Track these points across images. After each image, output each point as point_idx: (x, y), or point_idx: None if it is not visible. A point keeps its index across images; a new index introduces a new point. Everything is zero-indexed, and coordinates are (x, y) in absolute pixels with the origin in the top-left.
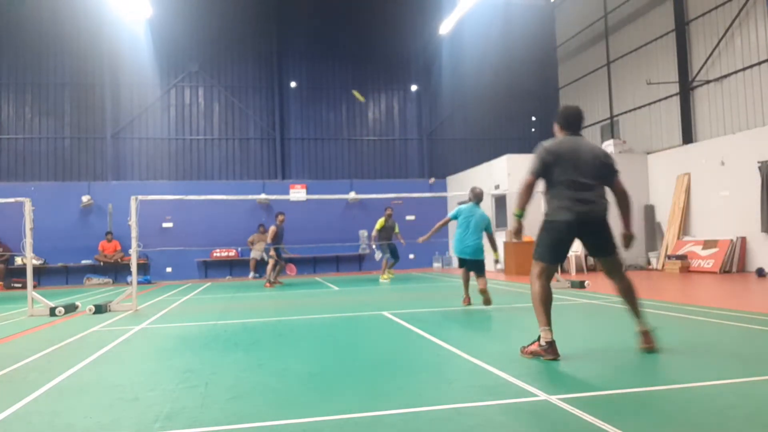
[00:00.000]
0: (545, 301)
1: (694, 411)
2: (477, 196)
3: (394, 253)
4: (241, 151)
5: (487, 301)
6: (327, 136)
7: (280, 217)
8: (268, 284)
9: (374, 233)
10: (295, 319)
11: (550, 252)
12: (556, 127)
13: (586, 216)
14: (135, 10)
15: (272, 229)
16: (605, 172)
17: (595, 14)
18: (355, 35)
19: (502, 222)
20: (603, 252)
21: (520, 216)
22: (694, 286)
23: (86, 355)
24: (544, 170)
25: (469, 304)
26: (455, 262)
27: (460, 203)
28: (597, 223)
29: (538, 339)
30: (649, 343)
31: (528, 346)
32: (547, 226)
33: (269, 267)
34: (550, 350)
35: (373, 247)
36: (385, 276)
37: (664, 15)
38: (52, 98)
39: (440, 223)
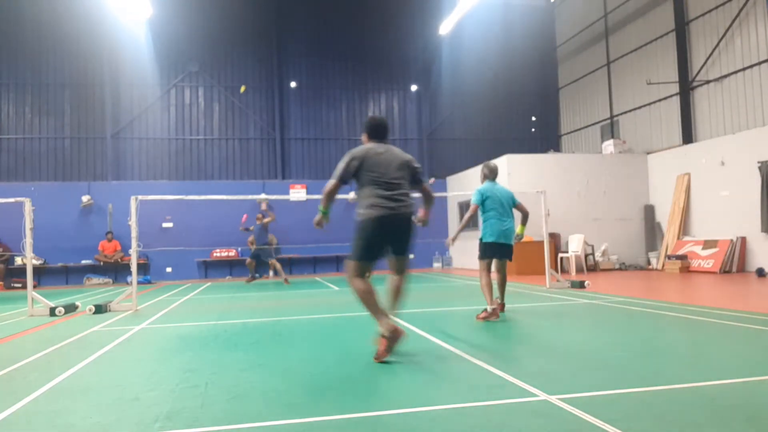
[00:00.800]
0: (369, 295)
1: (694, 411)
2: (493, 172)
3: None
4: (241, 151)
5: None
6: (327, 136)
7: (259, 216)
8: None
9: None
10: (295, 319)
11: (363, 250)
12: (363, 137)
13: (393, 214)
14: (135, 11)
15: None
16: (412, 176)
17: (595, 14)
18: (355, 35)
19: None
20: (401, 251)
21: (324, 213)
22: (694, 286)
23: (86, 355)
24: (351, 174)
25: (503, 310)
26: (456, 262)
27: (482, 187)
28: (403, 222)
29: (381, 335)
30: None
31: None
32: (359, 225)
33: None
34: (393, 337)
35: None
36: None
37: (664, 15)
38: (52, 98)
39: (468, 215)
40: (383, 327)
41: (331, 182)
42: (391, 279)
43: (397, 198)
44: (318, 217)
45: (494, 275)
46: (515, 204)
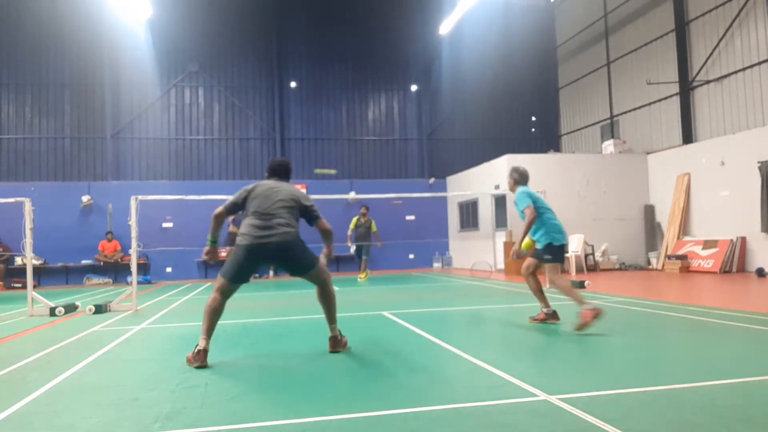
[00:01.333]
0: (213, 312)
1: (694, 411)
2: (525, 176)
3: (366, 251)
4: (241, 151)
5: (555, 316)
6: (327, 136)
7: None
8: None
9: (349, 232)
10: (295, 319)
11: (232, 271)
12: (266, 174)
13: (260, 243)
14: (135, 10)
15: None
16: (303, 212)
17: (595, 14)
18: (355, 35)
19: (502, 222)
20: (298, 271)
21: (213, 242)
22: (694, 286)
23: (86, 355)
24: (240, 206)
25: (558, 319)
26: (456, 262)
27: (525, 191)
28: (276, 250)
29: (196, 347)
30: (335, 348)
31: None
32: (234, 249)
33: None
34: (198, 358)
35: (348, 245)
36: (363, 276)
37: (664, 15)
38: (52, 98)
39: (531, 218)
40: (200, 345)
41: (218, 209)
42: (317, 292)
43: (268, 227)
44: (207, 247)
45: (532, 279)
46: None
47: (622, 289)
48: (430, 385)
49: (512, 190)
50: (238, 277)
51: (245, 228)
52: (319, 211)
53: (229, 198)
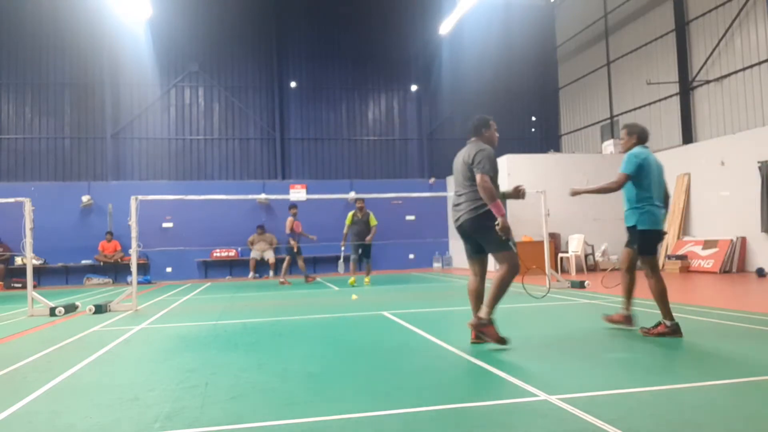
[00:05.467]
0: (470, 293)
1: (694, 411)
2: (645, 133)
3: (367, 253)
4: (241, 151)
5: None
6: (327, 136)
7: (294, 210)
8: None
9: (345, 230)
10: (295, 319)
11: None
12: None
13: (456, 224)
14: (135, 11)
15: (290, 220)
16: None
17: (595, 14)
18: (355, 35)
19: None
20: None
21: (503, 197)
22: (694, 286)
23: (86, 355)
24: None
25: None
26: (456, 262)
27: (636, 151)
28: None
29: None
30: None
31: None
32: None
33: (285, 264)
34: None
35: (342, 245)
36: (367, 280)
37: (664, 15)
38: (52, 98)
39: (611, 184)
40: None
41: (489, 183)
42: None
43: (455, 205)
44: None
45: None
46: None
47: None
48: (430, 385)
49: (628, 149)
50: (468, 255)
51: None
52: (481, 166)
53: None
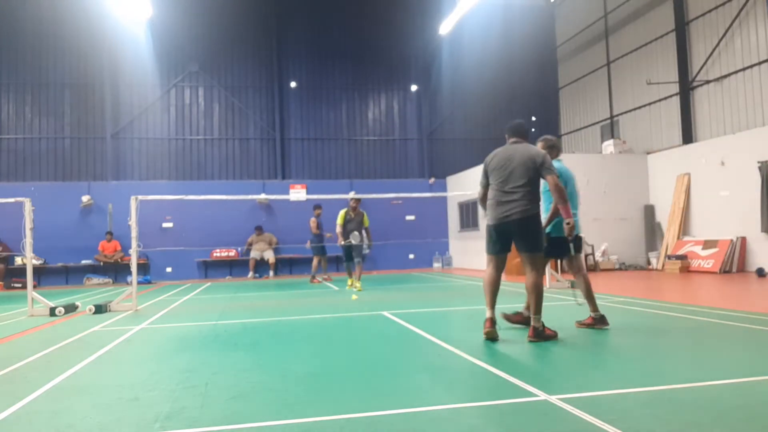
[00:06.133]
0: (488, 285)
1: (694, 411)
2: (559, 146)
3: (349, 255)
4: (241, 151)
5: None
6: (327, 136)
7: (318, 211)
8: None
9: (338, 230)
10: (295, 319)
11: (488, 247)
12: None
13: (503, 221)
14: (135, 11)
15: (313, 220)
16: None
17: (595, 14)
18: (355, 35)
19: None
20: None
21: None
22: (694, 286)
23: (86, 355)
24: (485, 184)
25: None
26: (456, 262)
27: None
28: (515, 226)
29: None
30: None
31: None
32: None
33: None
34: (486, 324)
35: (340, 243)
36: (352, 283)
37: (664, 15)
38: (52, 98)
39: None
40: None
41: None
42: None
43: (505, 202)
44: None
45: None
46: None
47: (622, 289)
48: (430, 385)
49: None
50: (494, 251)
51: (489, 205)
52: (553, 169)
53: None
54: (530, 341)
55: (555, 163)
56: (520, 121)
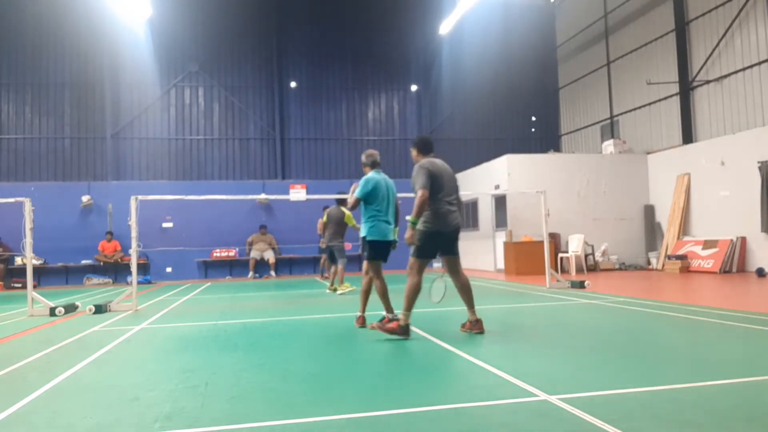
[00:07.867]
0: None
1: (694, 411)
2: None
3: (333, 256)
4: (241, 151)
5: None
6: (327, 136)
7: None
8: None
9: (319, 229)
10: (295, 319)
11: (425, 252)
12: (421, 148)
13: (454, 228)
14: (135, 11)
15: (321, 221)
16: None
17: (595, 14)
18: (355, 35)
19: (502, 222)
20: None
21: (413, 224)
22: (694, 286)
23: (86, 355)
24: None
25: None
26: None
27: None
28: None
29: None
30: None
31: None
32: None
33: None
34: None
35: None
36: (345, 286)
37: (664, 15)
38: (52, 98)
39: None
40: None
41: (425, 194)
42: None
43: (454, 212)
44: (409, 231)
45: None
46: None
47: (622, 289)
48: (430, 385)
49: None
50: (432, 254)
51: (438, 212)
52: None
53: (420, 182)
54: (371, 328)
55: (371, 176)
56: (425, 135)
